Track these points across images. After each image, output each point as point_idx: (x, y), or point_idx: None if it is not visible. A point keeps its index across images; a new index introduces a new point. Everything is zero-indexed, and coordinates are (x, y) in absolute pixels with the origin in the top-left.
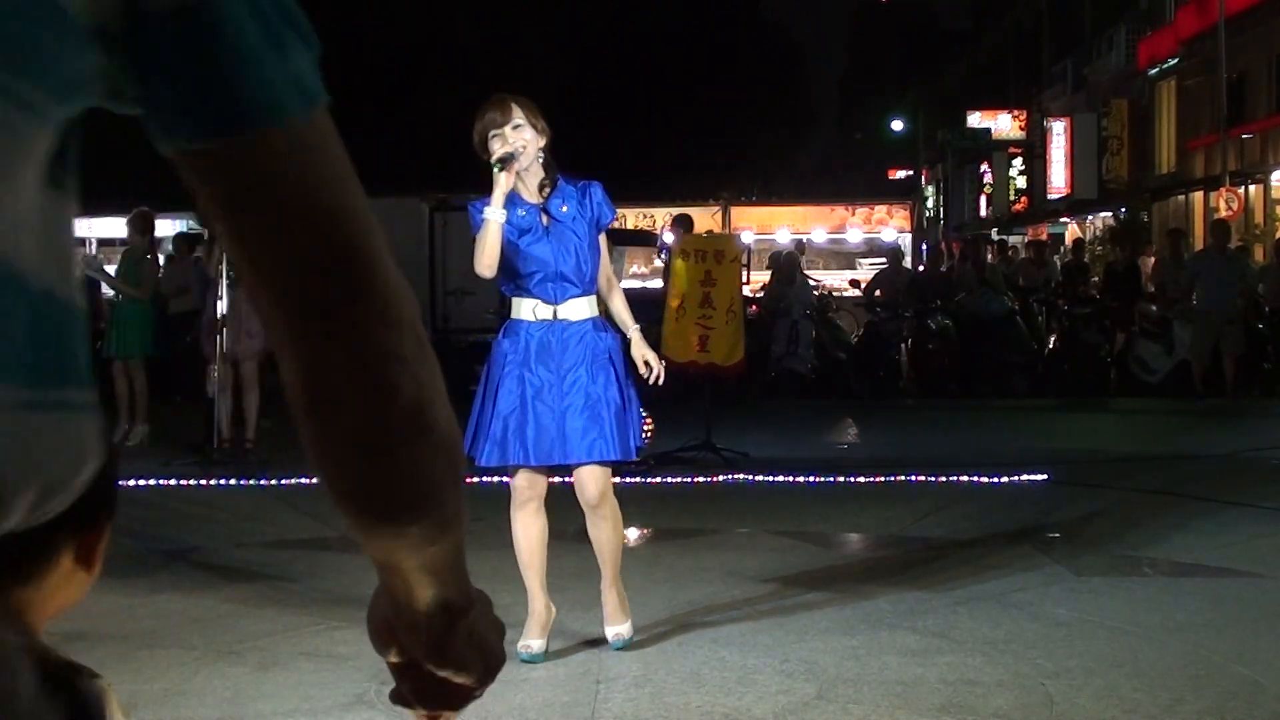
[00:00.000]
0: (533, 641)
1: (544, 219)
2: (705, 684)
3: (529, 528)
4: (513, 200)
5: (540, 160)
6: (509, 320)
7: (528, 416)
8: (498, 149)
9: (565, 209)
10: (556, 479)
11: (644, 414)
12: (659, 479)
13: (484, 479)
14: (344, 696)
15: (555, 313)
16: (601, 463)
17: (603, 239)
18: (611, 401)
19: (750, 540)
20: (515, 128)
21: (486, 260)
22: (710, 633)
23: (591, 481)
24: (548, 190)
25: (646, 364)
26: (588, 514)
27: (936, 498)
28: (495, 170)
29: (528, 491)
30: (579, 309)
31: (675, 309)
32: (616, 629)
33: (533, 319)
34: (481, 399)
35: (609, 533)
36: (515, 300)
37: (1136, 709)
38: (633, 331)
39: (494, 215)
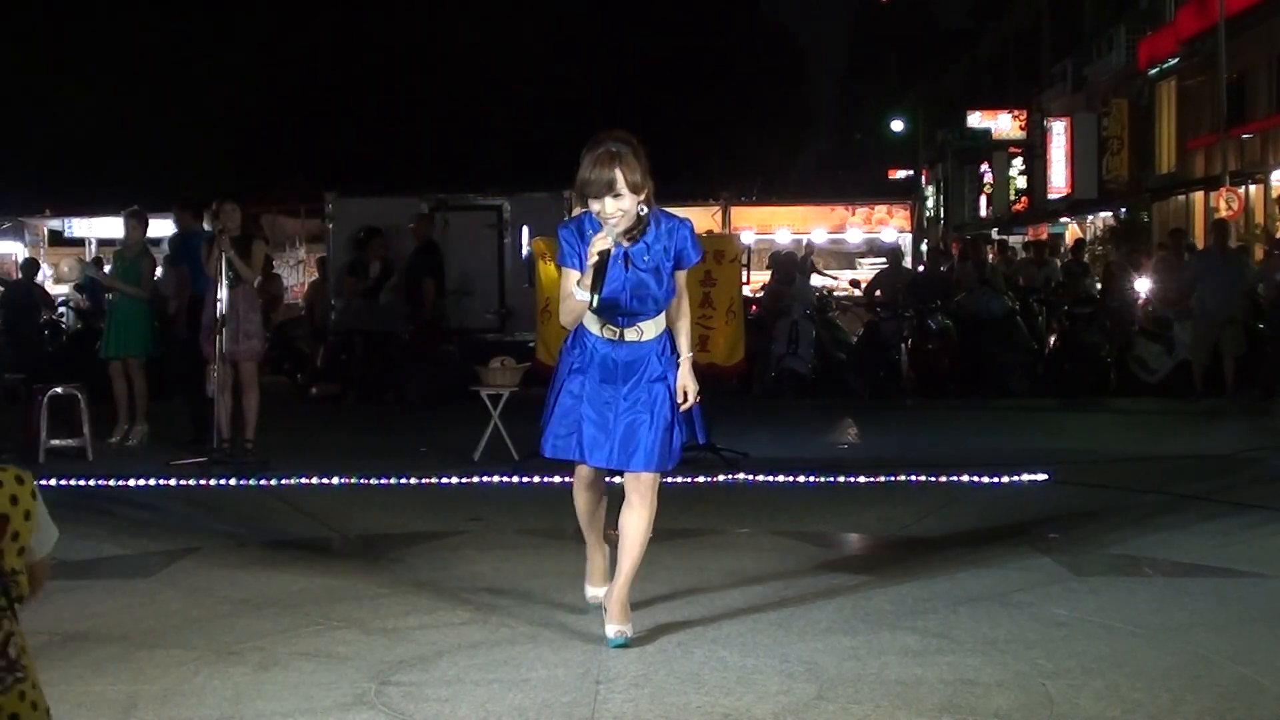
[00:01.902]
0: (597, 590)
1: (625, 263)
2: (705, 684)
3: (586, 500)
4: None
5: (640, 213)
6: (580, 326)
7: (584, 419)
8: (598, 239)
9: (647, 258)
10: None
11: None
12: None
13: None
14: (344, 696)
15: (621, 334)
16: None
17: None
18: (660, 419)
19: (750, 540)
20: (616, 196)
21: (567, 321)
22: (710, 633)
23: (639, 482)
24: (635, 236)
25: (684, 391)
26: (628, 502)
27: (936, 498)
28: (592, 260)
29: (587, 477)
30: (644, 331)
31: None
32: (618, 627)
33: (598, 334)
34: (549, 396)
35: (639, 525)
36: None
37: (1136, 709)
38: (683, 358)
39: (583, 298)
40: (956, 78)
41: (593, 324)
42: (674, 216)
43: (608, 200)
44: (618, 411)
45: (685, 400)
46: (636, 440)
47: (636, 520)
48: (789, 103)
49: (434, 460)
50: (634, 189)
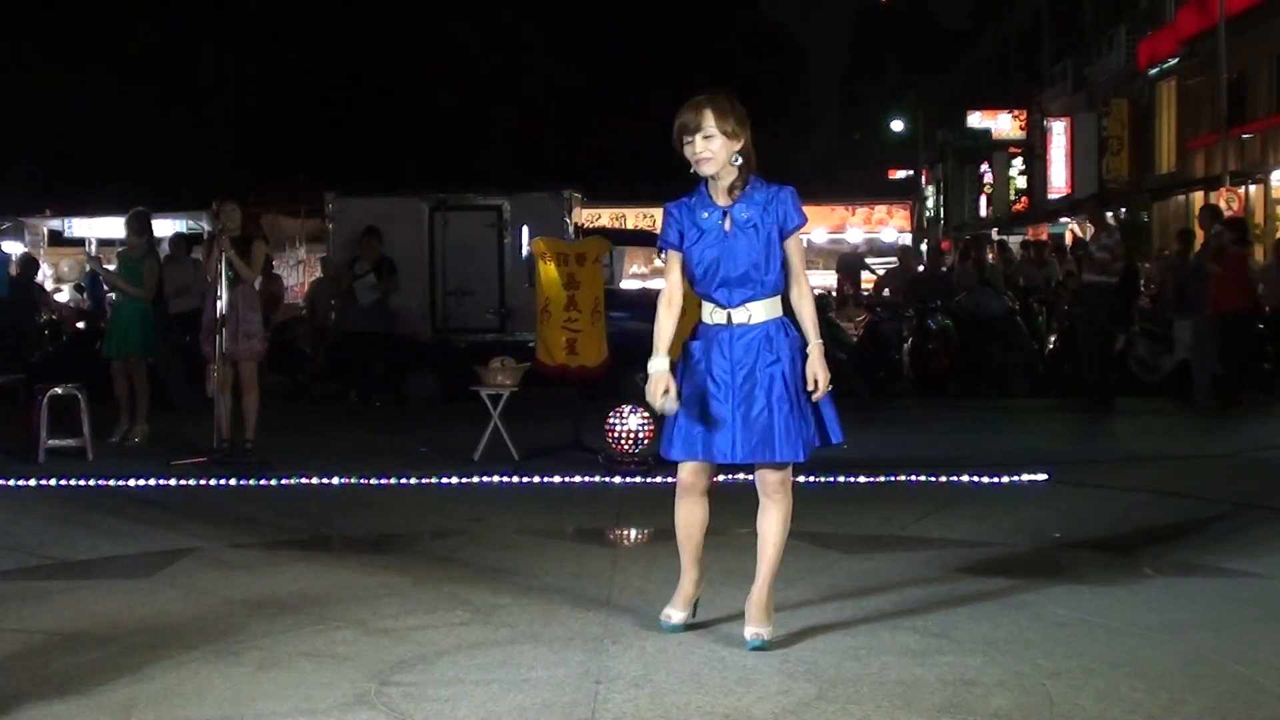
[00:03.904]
0: (673, 611)
1: (725, 223)
2: (705, 684)
3: (687, 514)
4: (702, 201)
5: (734, 162)
6: (699, 321)
7: (705, 415)
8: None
9: (747, 215)
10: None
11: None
12: (659, 479)
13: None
14: (344, 696)
15: (729, 317)
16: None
17: (796, 244)
18: (774, 408)
19: (750, 540)
20: (706, 137)
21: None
22: (710, 633)
23: (766, 477)
24: (737, 193)
25: (814, 380)
26: (760, 503)
27: (936, 498)
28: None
29: (690, 481)
30: (753, 313)
31: None
32: (756, 629)
33: (710, 322)
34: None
35: (774, 524)
36: (702, 302)
37: (1136, 709)
38: (812, 345)
39: (654, 368)
40: (956, 78)
41: (705, 313)
42: (776, 183)
43: (698, 139)
44: (732, 402)
45: (815, 389)
46: (757, 432)
47: (769, 522)
48: (789, 103)
49: (434, 460)
50: (726, 134)
